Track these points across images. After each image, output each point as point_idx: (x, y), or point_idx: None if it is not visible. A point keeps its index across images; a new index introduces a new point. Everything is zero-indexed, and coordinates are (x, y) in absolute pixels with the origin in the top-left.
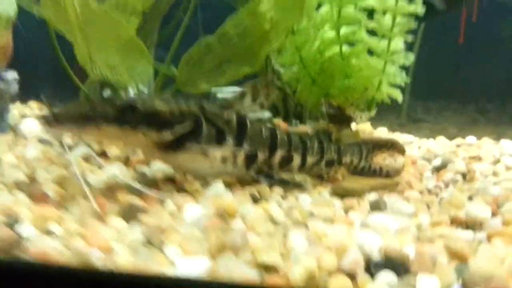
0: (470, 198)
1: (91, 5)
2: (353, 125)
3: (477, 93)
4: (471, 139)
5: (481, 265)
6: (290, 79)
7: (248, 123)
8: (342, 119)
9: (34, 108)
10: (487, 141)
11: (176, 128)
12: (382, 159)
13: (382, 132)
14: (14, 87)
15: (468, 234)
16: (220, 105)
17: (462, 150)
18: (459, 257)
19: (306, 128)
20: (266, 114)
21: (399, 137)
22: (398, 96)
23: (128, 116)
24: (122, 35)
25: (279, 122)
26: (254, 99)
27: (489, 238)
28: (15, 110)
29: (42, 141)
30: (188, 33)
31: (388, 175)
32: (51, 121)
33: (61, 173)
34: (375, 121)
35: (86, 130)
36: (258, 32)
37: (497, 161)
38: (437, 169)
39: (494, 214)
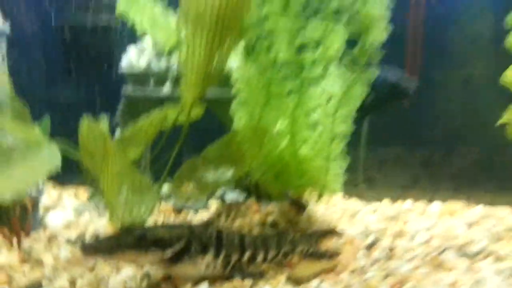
0: (386, 276)
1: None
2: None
3: (423, 142)
4: (407, 204)
5: None
6: (259, 178)
7: (224, 235)
8: (298, 206)
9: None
10: (418, 207)
11: (174, 247)
12: (325, 244)
13: (337, 200)
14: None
15: None
16: (205, 223)
17: (392, 225)
18: None
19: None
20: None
21: (349, 205)
22: (338, 189)
23: (141, 243)
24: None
25: (252, 203)
26: (228, 216)
27: None
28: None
29: (69, 241)
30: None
31: (331, 256)
32: (86, 252)
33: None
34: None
35: (113, 257)
36: (234, 157)
37: (413, 238)
38: (370, 246)
39: None
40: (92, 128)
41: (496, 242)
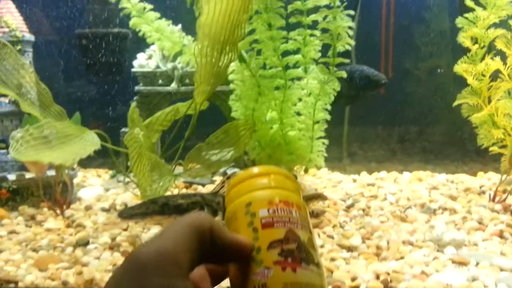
0: (360, 228)
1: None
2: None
3: (400, 121)
4: (382, 174)
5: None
6: (255, 157)
7: None
8: None
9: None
10: (391, 176)
11: (191, 211)
12: (313, 205)
13: (323, 173)
14: (76, 172)
15: (347, 254)
16: (213, 192)
17: (367, 191)
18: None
19: None
20: None
21: (332, 177)
22: (322, 163)
23: (166, 209)
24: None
25: None
26: None
27: (358, 256)
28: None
29: (103, 209)
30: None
31: (317, 215)
32: (122, 216)
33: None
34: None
35: (144, 220)
36: (233, 141)
37: (385, 199)
38: (348, 207)
39: (367, 239)
40: (133, 112)
41: (453, 201)
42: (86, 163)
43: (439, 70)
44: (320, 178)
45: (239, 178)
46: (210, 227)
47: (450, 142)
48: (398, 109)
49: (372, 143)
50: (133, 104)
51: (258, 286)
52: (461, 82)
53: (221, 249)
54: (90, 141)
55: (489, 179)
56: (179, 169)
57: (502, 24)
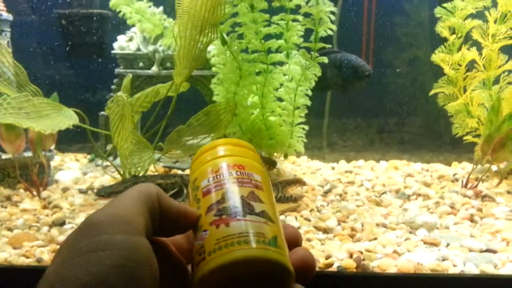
0: (336, 212)
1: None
2: (277, 166)
3: (379, 112)
4: (360, 162)
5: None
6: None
7: None
8: (270, 163)
9: (68, 159)
10: (368, 164)
11: (169, 192)
12: (291, 190)
13: (302, 161)
14: (53, 154)
15: (323, 235)
16: None
17: (345, 177)
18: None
19: None
20: None
21: (311, 164)
22: (301, 149)
23: None
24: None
25: None
26: None
27: (334, 237)
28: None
29: (81, 191)
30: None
31: (295, 200)
32: (100, 194)
33: None
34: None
35: None
36: (213, 124)
37: (361, 185)
38: (326, 193)
39: (342, 222)
40: (117, 97)
41: (427, 187)
42: (64, 147)
43: (420, 61)
44: (299, 166)
45: (192, 160)
46: (157, 195)
47: (426, 133)
48: (378, 99)
49: (351, 133)
50: (129, 76)
51: (198, 250)
52: (439, 73)
53: (171, 221)
54: (68, 117)
55: (463, 168)
56: (159, 154)
57: (479, 15)
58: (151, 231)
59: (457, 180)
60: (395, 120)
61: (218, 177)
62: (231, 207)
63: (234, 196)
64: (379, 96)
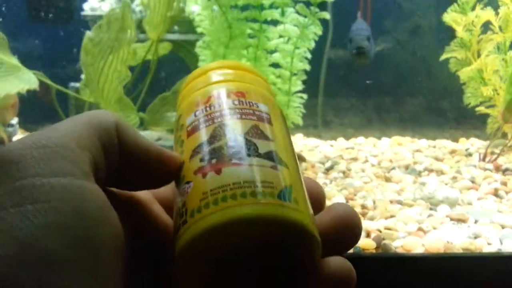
0: (341, 189)
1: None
2: None
3: (377, 90)
4: (360, 139)
5: None
6: None
7: None
8: None
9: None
10: (370, 141)
11: None
12: None
13: (298, 138)
14: (16, 129)
15: None
16: None
17: (347, 154)
18: None
19: None
20: None
21: (308, 142)
22: (299, 120)
23: None
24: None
25: None
26: None
27: None
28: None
29: None
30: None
31: None
32: None
33: None
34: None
35: None
36: None
37: (366, 161)
38: (327, 170)
39: (350, 200)
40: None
41: (438, 162)
42: (32, 127)
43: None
44: (295, 144)
45: (180, 91)
46: (116, 125)
47: (429, 110)
48: (375, 74)
49: (347, 111)
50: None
51: (179, 210)
52: (444, 44)
53: (138, 166)
54: (27, 80)
55: (472, 144)
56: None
57: None
58: (104, 176)
59: (470, 154)
60: (394, 97)
61: (208, 109)
62: (225, 147)
63: (229, 132)
64: (375, 71)
